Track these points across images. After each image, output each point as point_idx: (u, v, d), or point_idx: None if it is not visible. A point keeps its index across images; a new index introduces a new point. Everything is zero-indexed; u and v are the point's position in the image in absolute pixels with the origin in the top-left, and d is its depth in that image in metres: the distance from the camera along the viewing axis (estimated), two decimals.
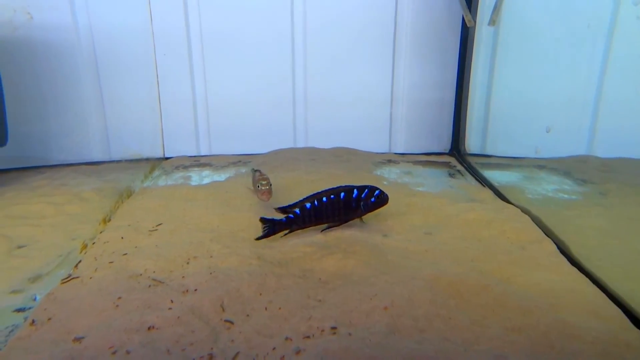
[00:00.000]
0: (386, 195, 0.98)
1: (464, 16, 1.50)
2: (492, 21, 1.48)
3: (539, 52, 1.51)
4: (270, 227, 0.92)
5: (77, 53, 1.49)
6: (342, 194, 0.94)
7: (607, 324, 0.64)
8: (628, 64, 1.43)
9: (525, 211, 1.05)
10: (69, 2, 1.44)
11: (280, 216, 0.93)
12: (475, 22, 1.51)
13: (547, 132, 1.42)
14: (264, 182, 1.06)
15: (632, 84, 1.43)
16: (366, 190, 0.96)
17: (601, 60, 1.45)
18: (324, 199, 0.93)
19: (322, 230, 0.95)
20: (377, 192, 0.96)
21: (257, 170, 1.17)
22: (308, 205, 0.93)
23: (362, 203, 0.96)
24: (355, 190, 0.95)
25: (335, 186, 0.96)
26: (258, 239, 0.91)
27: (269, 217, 0.92)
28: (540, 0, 1.48)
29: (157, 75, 1.59)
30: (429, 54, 1.63)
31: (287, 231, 0.94)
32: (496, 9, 1.45)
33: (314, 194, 0.94)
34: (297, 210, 0.93)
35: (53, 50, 1.46)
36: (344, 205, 0.94)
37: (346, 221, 0.97)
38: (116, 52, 1.53)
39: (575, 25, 1.43)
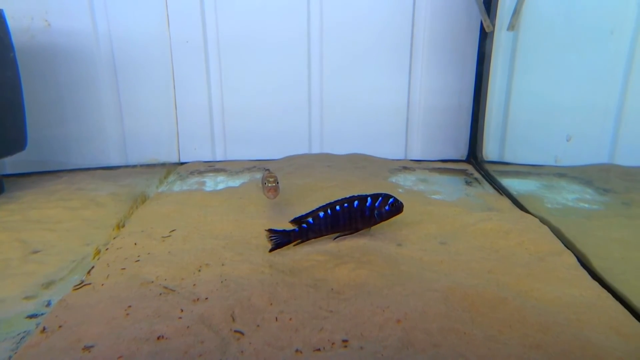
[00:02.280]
0: (400, 203, 0.96)
1: (483, 21, 1.47)
2: (512, 26, 1.45)
3: (559, 57, 1.47)
4: (282, 238, 0.90)
5: (96, 58, 1.51)
6: (356, 203, 0.93)
7: (631, 343, 0.61)
8: None
9: (544, 221, 1.02)
10: (88, 8, 1.46)
11: (291, 227, 0.92)
12: (494, 27, 1.49)
13: (568, 140, 1.38)
14: (271, 180, 1.04)
15: None
16: (380, 198, 0.94)
17: (624, 66, 1.41)
18: (338, 207, 0.92)
19: (334, 239, 0.94)
20: (391, 200, 0.95)
21: (267, 169, 1.17)
22: (322, 214, 0.91)
23: (376, 212, 0.94)
24: (369, 199, 0.93)
25: (348, 196, 0.95)
26: (271, 250, 0.90)
27: (279, 228, 0.91)
28: (561, 5, 1.45)
29: (174, 81, 1.61)
30: (447, 59, 1.61)
31: (299, 241, 0.92)
32: (516, 13, 1.43)
33: (328, 204, 0.93)
34: (310, 219, 0.92)
35: (73, 56, 1.49)
36: (357, 214, 0.93)
37: (360, 230, 0.96)
38: (134, 57, 1.55)
39: (598, 31, 1.39)
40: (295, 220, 0.92)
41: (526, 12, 1.46)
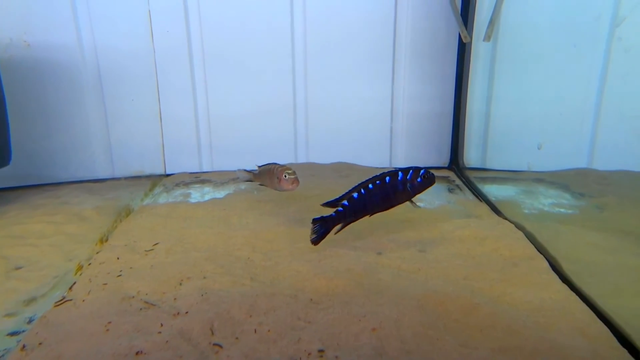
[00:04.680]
0: (432, 174, 0.95)
1: (460, 32, 1.51)
2: (487, 37, 1.49)
3: (537, 66, 1.52)
4: (322, 226, 0.90)
5: (82, 71, 1.53)
6: (387, 179, 0.92)
7: (594, 343, 0.64)
8: (627, 76, 1.42)
9: (519, 227, 1.05)
10: (73, 22, 1.48)
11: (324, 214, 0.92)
12: (471, 37, 1.53)
13: (539, 149, 1.42)
14: (290, 172, 1.04)
15: (630, 97, 1.42)
16: (411, 171, 0.94)
17: (599, 73, 1.45)
18: (370, 185, 0.92)
19: (370, 215, 0.94)
20: (422, 171, 0.94)
21: (274, 163, 1.14)
22: (355, 195, 0.92)
23: (408, 184, 0.93)
24: (400, 173, 0.93)
25: (378, 174, 0.94)
26: (314, 242, 0.90)
27: (318, 216, 0.91)
28: (538, 15, 1.49)
29: (158, 93, 1.62)
30: (429, 68, 1.64)
31: (339, 226, 0.92)
32: (491, 25, 1.46)
33: (359, 184, 0.93)
34: (345, 202, 0.91)
35: (58, 69, 1.50)
36: (391, 190, 0.93)
37: (395, 205, 0.95)
38: (119, 70, 1.56)
39: (569, 42, 1.44)
40: (330, 204, 0.92)
41: (504, 24, 1.51)
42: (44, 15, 1.45)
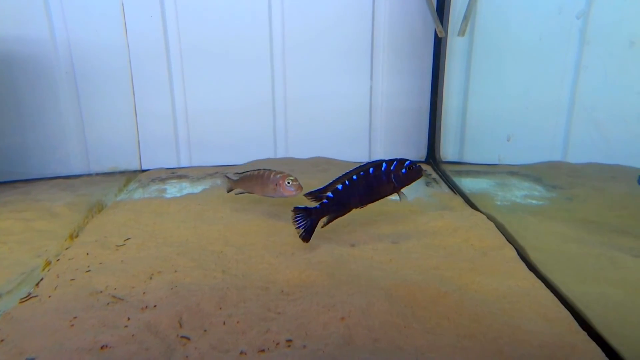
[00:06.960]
0: (418, 165, 0.92)
1: (436, 27, 1.52)
2: (462, 32, 1.50)
3: (511, 60, 1.54)
4: (307, 220, 0.88)
5: (55, 67, 1.50)
6: (371, 169, 0.90)
7: (556, 327, 0.65)
8: (599, 72, 1.45)
9: (491, 218, 1.06)
10: (45, 14, 1.45)
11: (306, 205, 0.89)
12: (446, 33, 1.54)
13: (508, 140, 1.44)
14: (292, 178, 1.01)
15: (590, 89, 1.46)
16: (395, 162, 0.91)
17: (573, 67, 1.47)
18: (354, 177, 0.89)
19: (360, 208, 0.92)
20: (407, 162, 0.92)
21: (266, 169, 1.09)
22: (340, 186, 0.89)
23: (392, 175, 0.91)
24: (383, 164, 0.91)
25: (361, 164, 0.92)
26: (305, 239, 0.88)
27: (301, 206, 0.88)
28: (510, 9, 1.51)
29: (133, 88, 1.60)
30: (406, 63, 1.65)
31: (325, 219, 0.90)
32: (465, 20, 1.48)
33: (343, 175, 0.90)
34: (329, 194, 0.89)
35: (31, 64, 1.47)
36: (375, 181, 0.90)
37: (381, 198, 0.93)
38: (93, 65, 1.54)
39: (537, 35, 1.46)
40: (312, 194, 0.90)
41: (479, 19, 1.52)
42: (14, 7, 1.41)
